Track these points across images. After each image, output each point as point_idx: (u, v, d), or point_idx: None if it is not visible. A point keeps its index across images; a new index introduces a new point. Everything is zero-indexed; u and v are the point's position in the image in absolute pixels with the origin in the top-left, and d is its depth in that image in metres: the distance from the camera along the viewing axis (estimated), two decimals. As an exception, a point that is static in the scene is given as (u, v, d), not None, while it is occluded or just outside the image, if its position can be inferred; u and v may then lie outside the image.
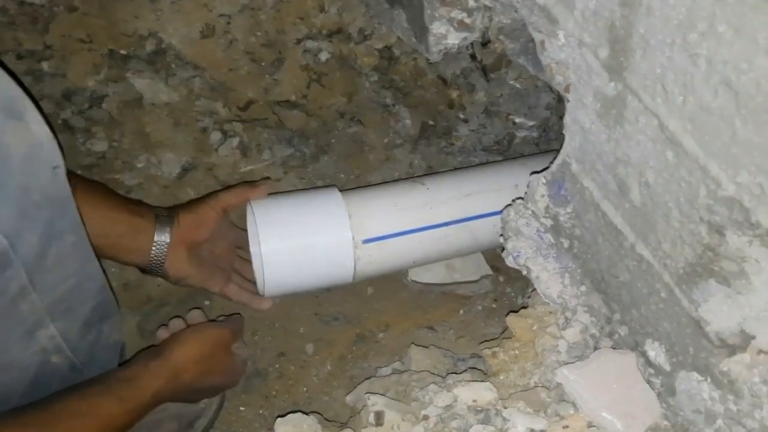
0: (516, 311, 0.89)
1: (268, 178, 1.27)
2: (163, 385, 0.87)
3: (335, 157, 1.35)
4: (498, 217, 1.01)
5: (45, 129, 0.73)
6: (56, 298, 0.82)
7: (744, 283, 0.57)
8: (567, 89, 0.76)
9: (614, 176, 0.71)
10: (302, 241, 1.02)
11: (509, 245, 0.91)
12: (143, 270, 1.06)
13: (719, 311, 0.61)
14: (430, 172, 1.33)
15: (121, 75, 1.28)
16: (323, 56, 1.36)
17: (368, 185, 1.23)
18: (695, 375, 0.66)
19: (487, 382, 0.80)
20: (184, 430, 1.00)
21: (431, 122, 1.40)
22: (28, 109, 0.72)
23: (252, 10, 1.33)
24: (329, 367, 1.11)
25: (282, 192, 1.15)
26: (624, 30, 0.62)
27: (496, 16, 0.99)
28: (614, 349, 0.79)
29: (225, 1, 1.31)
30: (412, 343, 1.02)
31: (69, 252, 0.82)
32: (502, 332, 0.96)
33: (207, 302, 1.17)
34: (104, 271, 0.90)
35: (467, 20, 0.99)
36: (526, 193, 0.92)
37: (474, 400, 0.78)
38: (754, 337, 0.59)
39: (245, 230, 1.11)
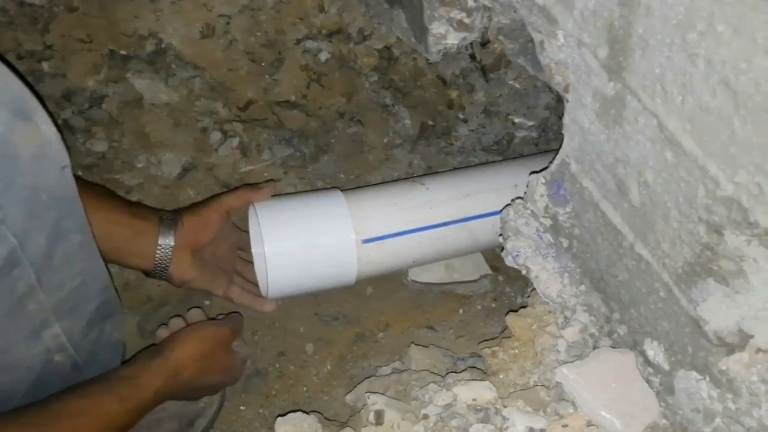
0: (515, 311, 0.89)
1: (271, 180, 1.27)
2: (164, 383, 0.87)
3: (335, 157, 1.35)
4: (497, 217, 1.01)
5: (53, 129, 0.74)
6: (62, 297, 0.82)
7: (742, 282, 0.57)
8: (566, 89, 0.76)
9: (613, 176, 0.71)
10: (306, 243, 1.02)
11: (509, 245, 0.91)
12: (147, 273, 1.06)
13: (718, 310, 0.61)
14: (430, 172, 1.33)
15: (121, 75, 1.28)
16: (323, 56, 1.36)
17: (368, 185, 1.23)
18: (694, 374, 0.66)
19: (487, 381, 0.81)
20: (184, 429, 1.00)
21: (431, 122, 1.40)
22: (36, 109, 0.72)
23: (252, 10, 1.33)
24: (329, 367, 1.12)
25: (284, 194, 1.15)
26: (623, 30, 0.62)
27: (496, 17, 0.99)
28: (613, 348, 0.79)
29: (225, 2, 1.31)
30: (412, 342, 1.03)
31: (75, 251, 0.82)
32: (502, 331, 0.96)
33: (207, 302, 1.17)
34: (108, 270, 0.90)
35: (466, 20, 0.99)
36: (525, 192, 0.92)
37: (474, 399, 0.78)
38: (752, 336, 0.59)
39: (247, 232, 1.11)
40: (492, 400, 0.78)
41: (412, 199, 1.09)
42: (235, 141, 1.30)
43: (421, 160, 1.38)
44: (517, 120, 1.41)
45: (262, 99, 1.35)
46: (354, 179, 1.33)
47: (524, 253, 0.90)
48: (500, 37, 1.02)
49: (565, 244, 0.86)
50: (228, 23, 1.32)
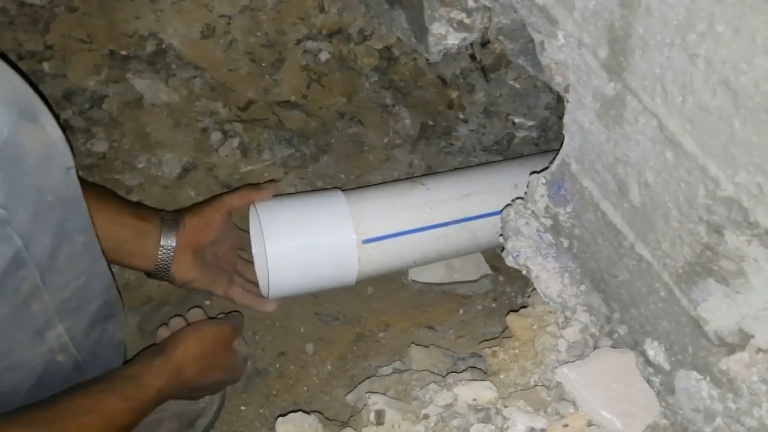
0: (516, 310, 0.90)
1: (272, 180, 1.27)
2: (166, 383, 0.87)
3: (335, 157, 1.35)
4: (497, 217, 1.01)
5: (58, 130, 0.74)
6: (65, 297, 0.83)
7: (743, 282, 0.57)
8: (566, 89, 0.76)
9: (614, 176, 0.71)
10: (307, 243, 1.02)
11: (509, 245, 0.91)
12: (149, 274, 1.06)
13: (718, 310, 0.61)
14: (430, 172, 1.33)
15: (121, 75, 1.28)
16: (323, 56, 1.37)
17: (368, 185, 1.23)
18: (694, 374, 0.66)
19: (488, 381, 0.81)
20: (185, 429, 1.00)
21: (431, 122, 1.40)
22: (42, 110, 0.72)
23: (252, 10, 1.33)
24: (329, 367, 1.12)
25: (285, 194, 1.15)
26: (623, 30, 0.62)
27: (496, 17, 0.99)
28: (614, 348, 0.79)
29: (225, 2, 1.31)
30: (413, 342, 1.03)
31: (79, 252, 0.82)
32: (502, 331, 0.96)
33: (207, 302, 1.17)
34: (111, 270, 0.91)
35: (467, 21, 1.00)
36: (525, 192, 0.92)
37: (474, 399, 0.78)
38: (752, 336, 0.59)
39: (247, 231, 1.11)
40: (492, 400, 0.78)
41: (412, 200, 1.09)
42: (236, 141, 1.30)
43: (422, 160, 1.38)
44: (517, 120, 1.41)
45: (262, 99, 1.35)
46: (354, 179, 1.33)
47: (525, 253, 0.90)
48: (500, 38, 1.02)
49: (566, 244, 0.86)
50: (228, 23, 1.32)
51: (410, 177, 1.27)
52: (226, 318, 1.06)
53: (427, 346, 1.01)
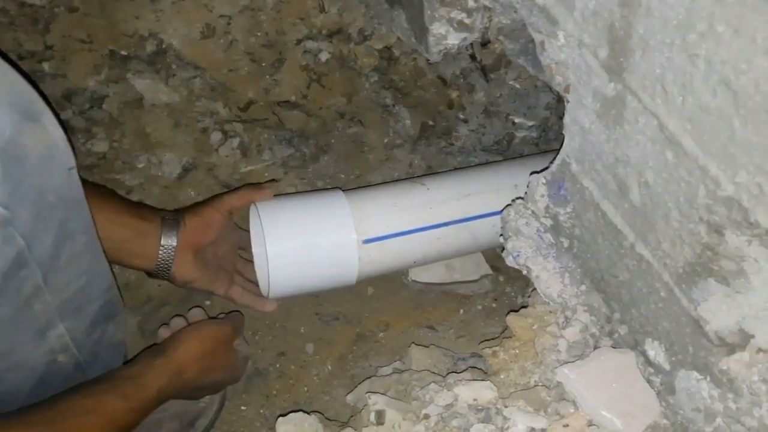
0: (516, 310, 0.90)
1: (273, 180, 1.27)
2: (167, 383, 0.87)
3: (335, 157, 1.35)
4: (497, 217, 1.01)
5: (60, 131, 0.74)
6: (67, 297, 0.83)
7: (743, 282, 0.57)
8: (567, 89, 0.76)
9: (614, 176, 0.71)
10: (307, 243, 1.02)
11: (509, 245, 0.91)
12: (149, 274, 1.06)
13: (718, 310, 0.61)
14: (430, 172, 1.33)
15: (121, 75, 1.29)
16: (323, 57, 1.37)
17: (368, 185, 1.23)
18: (695, 374, 0.66)
19: (488, 381, 0.81)
20: (185, 429, 1.01)
21: (431, 122, 1.40)
22: (44, 111, 0.72)
23: (252, 10, 1.33)
24: (330, 367, 1.12)
25: (286, 194, 1.15)
26: (623, 30, 0.62)
27: (496, 17, 0.99)
28: (614, 348, 0.79)
29: (225, 2, 1.31)
30: (413, 342, 1.03)
31: (81, 252, 0.82)
32: (502, 331, 0.96)
33: (207, 302, 1.17)
34: (112, 270, 0.91)
35: (467, 21, 1.00)
36: (526, 193, 0.92)
37: (474, 399, 0.78)
38: (753, 336, 0.59)
39: (247, 231, 1.11)
40: (493, 400, 0.78)
41: (412, 200, 1.09)
42: (236, 141, 1.30)
43: (422, 160, 1.38)
44: (517, 120, 1.41)
45: (262, 99, 1.35)
46: (354, 179, 1.33)
47: (525, 253, 0.90)
48: (500, 38, 1.02)
49: (566, 244, 0.86)
50: (228, 23, 1.32)
51: (410, 177, 1.27)
52: (227, 318, 1.06)
53: (428, 346, 1.01)
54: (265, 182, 1.23)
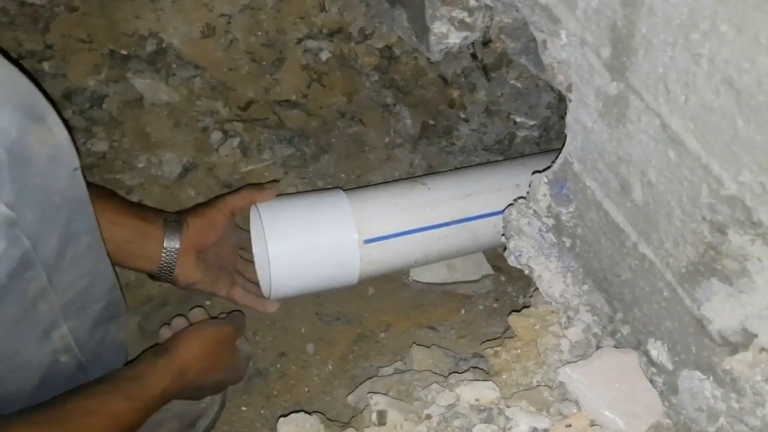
0: (518, 310, 0.90)
1: (275, 181, 1.27)
2: (170, 383, 0.88)
3: (336, 157, 1.35)
4: (499, 216, 1.01)
5: (64, 131, 0.74)
6: (70, 297, 0.83)
7: (746, 281, 0.57)
8: (569, 89, 0.76)
9: (616, 175, 0.71)
10: (309, 244, 1.02)
11: (511, 244, 0.91)
12: (152, 276, 1.05)
13: (721, 310, 0.61)
14: (431, 172, 1.33)
15: (121, 75, 1.28)
16: (324, 56, 1.36)
17: (369, 185, 1.23)
18: (698, 373, 0.66)
19: (490, 382, 0.81)
20: (186, 429, 1.01)
21: (432, 122, 1.40)
22: (48, 112, 0.73)
23: (252, 9, 1.33)
24: (330, 367, 1.12)
25: (287, 194, 1.15)
26: (626, 30, 0.62)
27: (497, 16, 0.99)
28: (616, 348, 0.79)
29: (225, 1, 1.31)
30: (414, 342, 1.03)
31: (85, 252, 0.83)
32: (504, 331, 0.96)
33: (208, 302, 1.17)
34: (115, 271, 0.91)
35: (468, 19, 0.99)
36: (528, 192, 0.92)
37: (476, 399, 0.78)
38: (756, 336, 0.59)
39: (247, 231, 1.11)
40: (495, 400, 0.78)
41: (413, 199, 1.09)
42: (236, 141, 1.30)
43: (422, 160, 1.38)
44: (518, 119, 1.41)
45: (262, 98, 1.35)
46: (355, 179, 1.33)
47: (527, 252, 0.90)
48: (502, 37, 1.02)
49: (568, 243, 0.86)
50: (229, 23, 1.32)
51: (411, 177, 1.27)
52: (228, 318, 1.06)
53: (429, 347, 1.01)
54: (267, 183, 1.22)
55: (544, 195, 0.87)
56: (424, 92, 1.41)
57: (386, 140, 1.38)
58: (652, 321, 0.72)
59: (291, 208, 1.05)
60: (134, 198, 1.23)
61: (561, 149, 0.82)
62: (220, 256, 1.11)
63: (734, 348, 0.61)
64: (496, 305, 1.18)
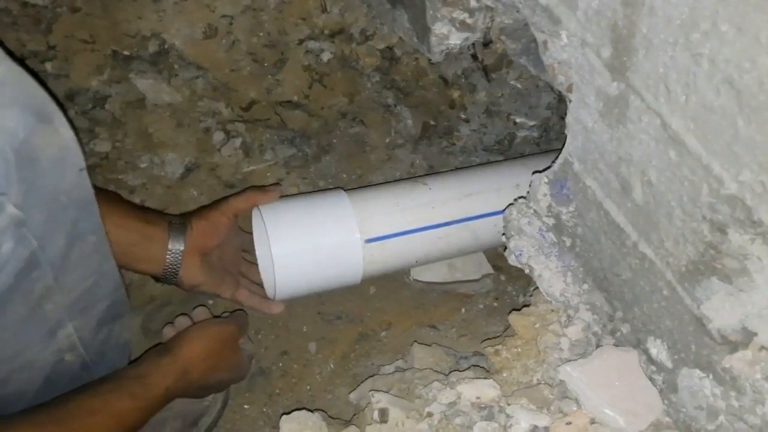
0: (518, 309, 0.90)
1: (278, 183, 1.27)
2: (174, 382, 0.88)
3: (337, 157, 1.35)
4: (499, 216, 1.01)
5: (70, 132, 0.75)
6: (76, 297, 0.83)
7: (746, 280, 0.58)
8: (569, 89, 0.77)
9: (617, 175, 0.71)
10: (312, 245, 1.02)
11: (512, 244, 0.92)
12: (156, 278, 1.06)
13: (721, 308, 0.61)
14: (432, 172, 1.34)
15: (124, 75, 1.29)
16: (325, 57, 1.37)
17: (370, 185, 1.24)
18: (697, 372, 0.66)
19: (490, 380, 0.81)
20: (188, 428, 1.01)
21: (432, 122, 1.40)
22: (55, 112, 0.73)
23: (254, 10, 1.33)
24: (332, 366, 1.12)
25: (288, 195, 1.15)
26: (627, 30, 0.62)
27: (498, 17, 0.99)
28: (616, 346, 0.79)
29: (227, 2, 1.32)
30: (415, 341, 1.03)
31: (90, 252, 0.83)
32: (504, 330, 0.96)
33: (211, 301, 1.18)
34: (120, 271, 0.91)
35: (469, 21, 1.00)
36: (528, 192, 0.92)
37: (477, 397, 0.79)
38: (756, 334, 0.60)
39: (250, 233, 1.11)
40: (496, 398, 0.79)
41: (414, 199, 1.09)
42: (238, 141, 1.30)
43: (423, 160, 1.38)
44: (518, 120, 1.42)
45: (264, 99, 1.36)
46: (356, 179, 1.34)
47: (527, 252, 0.90)
48: (502, 37, 1.03)
49: (568, 243, 0.86)
50: (231, 24, 1.33)
51: (412, 177, 1.27)
52: (231, 317, 1.06)
53: (430, 345, 1.01)
54: (270, 185, 1.23)
55: (545, 195, 0.88)
56: (424, 93, 1.41)
57: (387, 141, 1.38)
58: (651, 320, 0.72)
59: (293, 209, 1.05)
60: (137, 198, 1.23)
61: (561, 149, 0.83)
62: (223, 258, 1.11)
63: (734, 346, 0.61)
64: (496, 304, 1.18)
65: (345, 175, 1.34)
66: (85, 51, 1.27)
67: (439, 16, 1.00)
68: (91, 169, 1.22)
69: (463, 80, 1.39)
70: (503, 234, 0.96)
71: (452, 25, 1.01)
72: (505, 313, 0.95)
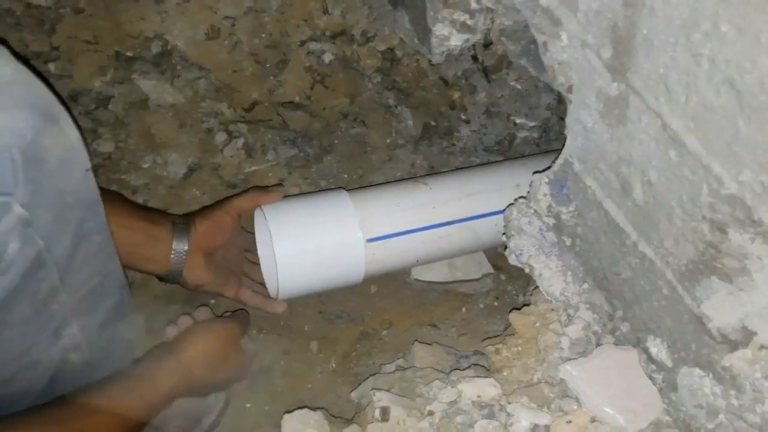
0: (518, 309, 0.90)
1: (280, 184, 1.27)
2: (177, 381, 0.88)
3: (338, 158, 1.36)
4: (499, 216, 1.02)
5: (76, 132, 0.75)
6: (81, 296, 0.83)
7: (746, 279, 0.58)
8: (569, 90, 0.77)
9: (617, 175, 0.71)
10: (314, 244, 1.03)
11: (512, 243, 0.92)
12: (161, 278, 1.06)
13: (721, 308, 0.61)
14: (432, 172, 1.34)
15: (126, 76, 1.29)
16: (327, 58, 1.37)
17: (371, 185, 1.24)
18: (697, 371, 0.67)
19: (491, 378, 0.81)
20: (190, 426, 1.01)
21: (433, 123, 1.41)
22: (61, 113, 0.73)
23: (256, 12, 1.34)
24: (334, 365, 1.12)
25: (290, 195, 1.16)
26: (627, 30, 0.62)
27: (498, 18, 0.99)
28: (616, 345, 0.79)
29: (230, 3, 1.32)
30: (416, 340, 1.03)
31: (95, 252, 0.83)
32: (505, 329, 0.97)
33: (212, 300, 1.18)
34: (124, 270, 0.91)
35: (469, 22, 1.00)
36: (528, 192, 0.93)
37: (478, 396, 0.79)
38: (755, 333, 0.60)
39: (252, 233, 1.12)
40: (496, 397, 0.79)
41: (415, 199, 1.09)
42: (240, 141, 1.31)
43: (424, 161, 1.38)
44: (518, 120, 1.42)
45: (266, 100, 1.36)
46: (357, 179, 1.34)
47: (527, 251, 0.90)
48: (502, 39, 1.03)
49: (568, 242, 0.86)
50: (233, 25, 1.33)
51: (413, 177, 1.28)
52: (233, 316, 1.06)
53: (430, 344, 1.02)
54: (272, 186, 1.23)
55: (545, 195, 0.88)
56: (425, 94, 1.41)
57: (388, 141, 1.39)
58: (651, 319, 0.73)
59: (295, 209, 1.05)
60: (139, 198, 1.24)
61: (561, 150, 0.83)
62: (227, 258, 1.11)
63: (734, 345, 0.62)
64: (496, 303, 1.18)
65: (346, 176, 1.34)
66: (88, 52, 1.28)
67: (439, 17, 1.00)
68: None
69: (464, 81, 1.40)
70: (503, 233, 0.96)
71: (453, 27, 1.01)
72: (506, 312, 0.95)
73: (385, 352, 1.12)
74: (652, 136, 0.63)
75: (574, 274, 0.86)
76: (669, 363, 0.71)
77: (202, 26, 1.31)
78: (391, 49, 1.39)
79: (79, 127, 0.75)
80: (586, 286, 0.85)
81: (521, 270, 0.92)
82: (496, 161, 1.37)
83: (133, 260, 0.99)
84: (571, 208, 0.84)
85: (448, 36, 1.03)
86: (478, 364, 0.92)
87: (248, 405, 1.08)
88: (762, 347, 0.60)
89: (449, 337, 1.11)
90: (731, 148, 0.53)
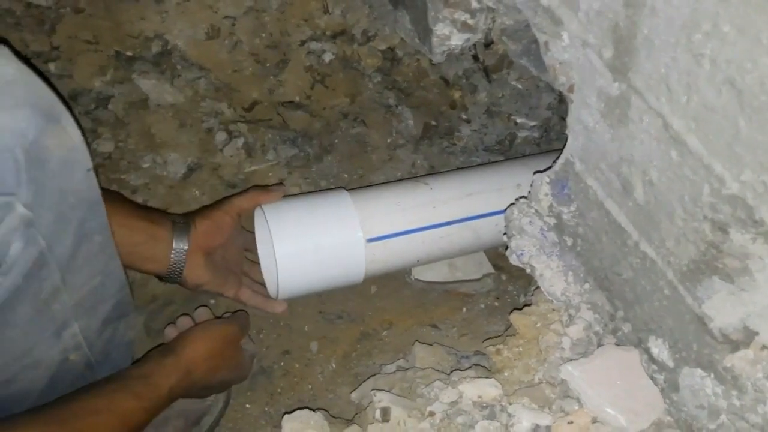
0: (519, 309, 0.90)
1: (281, 183, 1.27)
2: (177, 382, 0.88)
3: (339, 157, 1.36)
4: (500, 216, 1.02)
5: (78, 132, 0.75)
6: (82, 296, 0.84)
7: (747, 279, 0.58)
8: (570, 89, 0.77)
9: (618, 175, 0.71)
10: (315, 244, 1.03)
11: (513, 243, 0.92)
12: (161, 278, 1.06)
13: (723, 308, 0.61)
14: (433, 172, 1.34)
15: (126, 76, 1.29)
16: (327, 57, 1.37)
17: (371, 185, 1.24)
18: (699, 371, 0.66)
19: (492, 379, 0.81)
20: (190, 427, 1.01)
21: (433, 122, 1.40)
22: (63, 113, 0.73)
23: (257, 11, 1.34)
24: (334, 365, 1.12)
25: (290, 195, 1.16)
26: (628, 30, 0.62)
27: (499, 18, 0.99)
28: (618, 345, 0.79)
29: (230, 3, 1.32)
30: (416, 340, 1.03)
31: (97, 252, 0.83)
32: (506, 330, 0.97)
33: (212, 301, 1.18)
34: (125, 270, 0.91)
35: (470, 21, 1.00)
36: (529, 192, 0.93)
37: (479, 396, 0.79)
38: (757, 333, 0.60)
39: (252, 233, 1.12)
40: (497, 397, 0.79)
41: (415, 199, 1.09)
42: (240, 141, 1.31)
43: (424, 160, 1.38)
44: (519, 120, 1.42)
45: (266, 100, 1.36)
46: (357, 179, 1.34)
47: (528, 251, 0.90)
48: (503, 38, 1.03)
49: (570, 242, 0.86)
50: (233, 25, 1.33)
51: (413, 177, 1.28)
52: (233, 317, 1.06)
53: (431, 345, 1.02)
54: (273, 185, 1.23)
55: (546, 195, 0.88)
56: (425, 93, 1.41)
57: (388, 141, 1.39)
58: (653, 319, 0.73)
59: (295, 209, 1.05)
60: (139, 198, 1.24)
61: (562, 150, 0.83)
62: (227, 258, 1.11)
63: (735, 345, 0.62)
64: (497, 304, 1.18)
65: (346, 175, 1.34)
66: (88, 52, 1.28)
67: (440, 17, 1.00)
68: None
69: (464, 81, 1.39)
70: (504, 233, 0.96)
71: (453, 26, 1.01)
72: (506, 312, 0.95)
73: (386, 352, 1.12)
74: (654, 136, 0.63)
75: (576, 274, 0.86)
76: (670, 363, 0.71)
77: (202, 26, 1.31)
78: (392, 49, 1.39)
79: (80, 127, 0.75)
80: (587, 286, 0.85)
81: (522, 270, 0.92)
82: (497, 161, 1.37)
83: (134, 260, 0.99)
84: (572, 208, 0.84)
85: (449, 35, 1.02)
86: (479, 365, 0.92)
87: (248, 405, 1.08)
88: (764, 347, 0.60)
89: (450, 337, 1.11)
90: (732, 148, 0.53)
